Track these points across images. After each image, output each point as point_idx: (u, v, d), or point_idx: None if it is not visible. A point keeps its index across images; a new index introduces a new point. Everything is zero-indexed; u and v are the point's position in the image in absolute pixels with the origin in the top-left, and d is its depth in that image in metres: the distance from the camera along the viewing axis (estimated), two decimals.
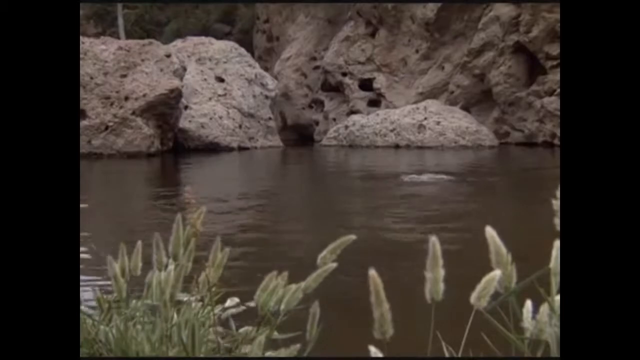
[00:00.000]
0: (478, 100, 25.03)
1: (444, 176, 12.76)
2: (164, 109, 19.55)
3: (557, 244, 1.69)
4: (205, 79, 23.28)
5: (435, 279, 1.59)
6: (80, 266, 4.27)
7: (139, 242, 2.30)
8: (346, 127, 24.72)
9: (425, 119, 23.37)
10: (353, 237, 1.96)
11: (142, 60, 19.77)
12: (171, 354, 2.13)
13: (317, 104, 29.83)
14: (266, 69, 28.64)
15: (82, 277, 3.80)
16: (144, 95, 19.09)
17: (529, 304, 1.78)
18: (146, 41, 21.12)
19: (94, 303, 2.52)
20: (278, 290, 2.06)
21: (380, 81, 27.29)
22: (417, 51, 26.50)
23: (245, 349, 2.17)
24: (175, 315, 2.21)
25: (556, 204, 1.69)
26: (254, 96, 23.97)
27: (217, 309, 2.46)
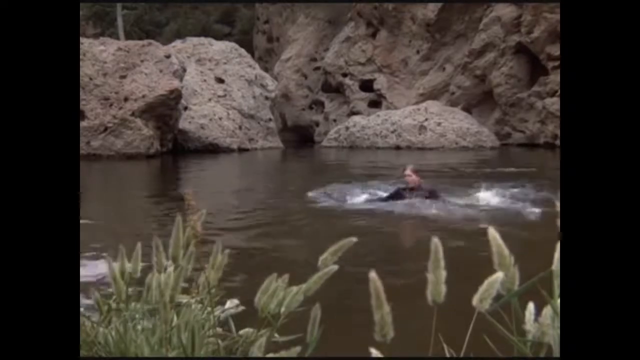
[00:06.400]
0: (479, 101, 25.04)
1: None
2: (164, 110, 19.53)
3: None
4: (205, 80, 23.27)
5: (436, 281, 1.57)
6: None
7: (139, 244, 2.29)
8: (347, 128, 24.72)
9: (426, 120, 23.37)
10: (354, 239, 1.95)
11: (142, 61, 19.74)
12: (171, 356, 2.12)
13: (318, 105, 29.83)
14: (266, 70, 28.67)
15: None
16: (144, 96, 19.07)
17: (531, 306, 1.77)
18: (145, 42, 21.08)
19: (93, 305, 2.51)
20: (279, 293, 2.05)
21: (381, 82, 27.29)
22: (417, 52, 26.50)
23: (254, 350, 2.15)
24: (175, 317, 2.19)
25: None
26: (254, 97, 23.97)
27: (217, 311, 2.45)
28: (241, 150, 22.18)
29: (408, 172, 9.51)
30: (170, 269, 2.14)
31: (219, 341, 2.19)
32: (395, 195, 9.51)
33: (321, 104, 29.56)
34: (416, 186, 9.39)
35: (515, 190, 10.16)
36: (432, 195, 9.32)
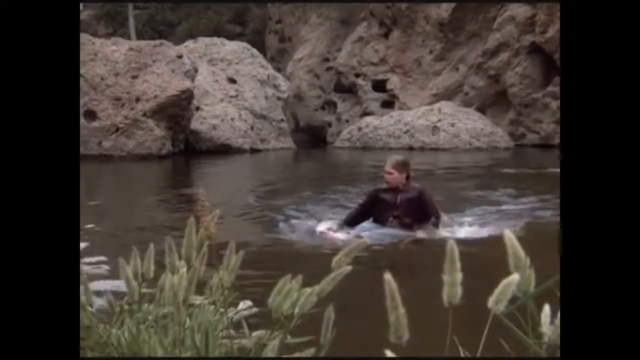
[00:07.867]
0: (493, 101, 24.96)
1: None
2: (175, 111, 19.54)
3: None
4: (217, 80, 23.29)
5: (452, 283, 1.56)
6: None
7: (151, 245, 2.28)
8: (359, 129, 24.67)
9: (440, 120, 23.31)
10: (367, 241, 1.94)
11: (154, 61, 19.74)
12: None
13: (330, 105, 29.81)
14: (278, 70, 28.63)
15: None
16: (155, 97, 19.08)
17: (547, 308, 1.77)
18: (157, 42, 21.05)
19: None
20: (292, 294, 2.04)
21: (394, 82, 27.24)
22: (431, 52, 26.43)
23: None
24: (188, 319, 2.19)
25: None
26: (266, 97, 23.97)
27: (230, 312, 2.44)
28: (253, 151, 22.17)
29: (388, 168, 7.15)
30: (184, 270, 2.13)
31: (232, 342, 2.18)
32: (375, 201, 7.25)
33: (334, 105, 29.54)
34: (402, 186, 7.12)
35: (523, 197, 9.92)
36: (421, 196, 7.12)
